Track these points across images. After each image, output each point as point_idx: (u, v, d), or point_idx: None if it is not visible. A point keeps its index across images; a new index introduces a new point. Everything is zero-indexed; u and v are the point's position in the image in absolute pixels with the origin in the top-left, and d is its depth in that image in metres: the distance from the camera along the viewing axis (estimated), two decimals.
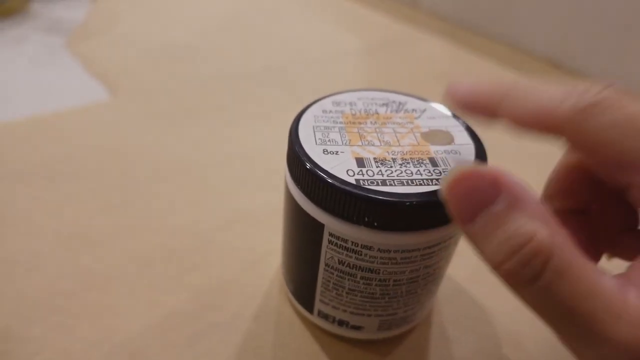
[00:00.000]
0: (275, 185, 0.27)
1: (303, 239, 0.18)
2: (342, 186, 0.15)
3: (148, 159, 0.31)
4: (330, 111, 0.19)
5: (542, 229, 0.11)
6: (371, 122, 0.19)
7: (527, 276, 0.11)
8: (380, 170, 0.16)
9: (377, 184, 0.15)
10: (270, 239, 0.26)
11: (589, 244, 0.11)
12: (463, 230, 0.13)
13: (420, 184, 0.16)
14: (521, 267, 0.11)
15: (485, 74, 0.45)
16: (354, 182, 0.15)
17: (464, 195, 0.12)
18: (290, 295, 0.22)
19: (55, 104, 0.36)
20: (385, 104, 0.20)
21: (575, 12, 0.44)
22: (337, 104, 0.20)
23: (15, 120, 0.34)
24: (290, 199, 0.18)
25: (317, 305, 0.20)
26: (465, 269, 0.25)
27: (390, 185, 0.15)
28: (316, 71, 0.44)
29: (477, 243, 0.12)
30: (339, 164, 0.16)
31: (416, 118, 0.19)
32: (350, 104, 0.20)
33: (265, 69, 0.43)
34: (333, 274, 0.18)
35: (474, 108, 0.15)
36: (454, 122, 0.19)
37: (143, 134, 0.33)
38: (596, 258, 0.16)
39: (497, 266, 0.12)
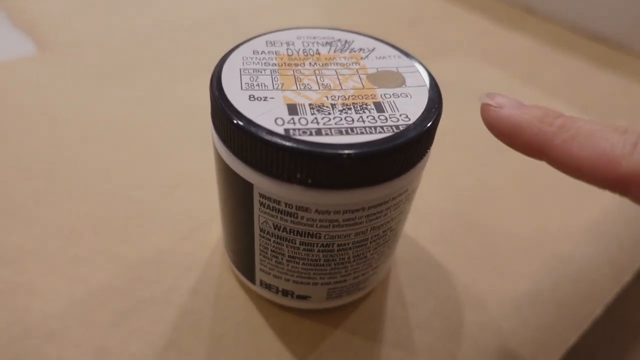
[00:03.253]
0: None
1: (234, 202, 0.16)
2: (268, 137, 0.13)
3: (78, 120, 0.28)
4: (263, 52, 0.16)
5: None
6: (310, 64, 0.16)
7: None
8: (316, 118, 0.14)
9: (311, 134, 0.13)
10: (215, 204, 0.23)
11: None
12: None
13: (362, 133, 0.13)
14: None
15: (455, 19, 0.43)
16: (282, 132, 0.13)
17: None
18: (231, 265, 0.20)
19: None
20: (329, 43, 0.17)
21: None
22: (272, 43, 0.17)
23: None
24: (217, 156, 0.16)
25: (258, 275, 0.18)
26: (426, 229, 0.23)
27: (327, 135, 0.13)
28: (270, 18, 0.40)
29: None
30: (266, 112, 0.14)
31: (363, 58, 0.17)
32: (287, 43, 0.17)
33: (212, 18, 0.39)
34: (270, 240, 0.16)
35: (515, 143, 0.13)
36: (407, 61, 0.17)
37: (73, 91, 0.30)
38: None
39: None
